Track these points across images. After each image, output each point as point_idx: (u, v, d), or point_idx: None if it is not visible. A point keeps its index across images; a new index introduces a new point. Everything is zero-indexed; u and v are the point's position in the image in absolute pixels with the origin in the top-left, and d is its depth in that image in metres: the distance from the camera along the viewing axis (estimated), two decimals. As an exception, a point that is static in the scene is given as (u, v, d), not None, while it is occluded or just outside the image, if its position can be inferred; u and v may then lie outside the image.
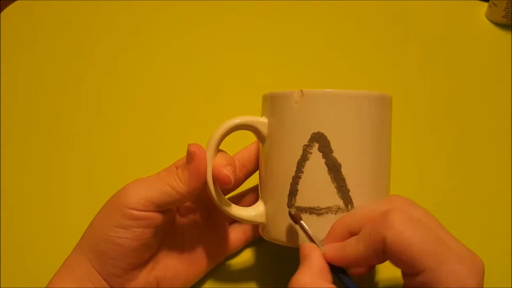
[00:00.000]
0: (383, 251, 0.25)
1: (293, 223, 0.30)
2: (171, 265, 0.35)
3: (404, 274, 0.26)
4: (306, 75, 0.48)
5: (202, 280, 0.37)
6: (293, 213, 0.29)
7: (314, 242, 0.28)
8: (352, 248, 0.27)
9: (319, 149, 0.30)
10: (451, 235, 0.26)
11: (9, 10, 0.53)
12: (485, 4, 0.52)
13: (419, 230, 0.25)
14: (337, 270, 0.28)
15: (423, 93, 0.48)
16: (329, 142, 0.30)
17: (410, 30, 0.51)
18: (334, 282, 0.27)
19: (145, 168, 0.35)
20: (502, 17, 0.50)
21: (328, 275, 0.27)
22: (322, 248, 0.28)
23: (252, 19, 0.52)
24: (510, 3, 0.48)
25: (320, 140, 0.30)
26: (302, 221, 0.29)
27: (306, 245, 0.28)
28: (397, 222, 0.25)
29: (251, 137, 0.34)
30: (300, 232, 0.30)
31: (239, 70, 0.49)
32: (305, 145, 0.30)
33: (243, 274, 0.39)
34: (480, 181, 0.43)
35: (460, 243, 0.26)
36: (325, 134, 0.30)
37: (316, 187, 0.30)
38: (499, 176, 0.43)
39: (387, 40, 0.51)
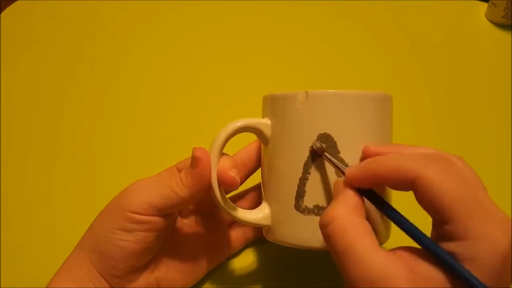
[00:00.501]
0: (412, 187, 0.24)
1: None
2: (172, 266, 0.35)
3: (432, 220, 0.25)
4: (303, 75, 0.48)
5: (202, 280, 0.37)
6: (317, 146, 0.29)
7: (341, 170, 0.27)
8: (380, 165, 0.25)
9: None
10: (489, 197, 0.25)
11: (9, 10, 0.53)
12: (485, 4, 0.52)
13: (456, 178, 0.24)
14: (366, 193, 0.27)
15: (423, 93, 0.48)
16: (335, 143, 0.30)
17: (410, 30, 0.51)
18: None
19: (146, 169, 0.35)
20: (502, 17, 0.50)
21: (362, 211, 0.26)
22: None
23: (252, 20, 0.52)
24: (510, 3, 0.49)
25: (326, 141, 0.30)
26: (326, 153, 0.29)
27: (338, 180, 0.27)
28: (435, 164, 0.24)
29: (250, 137, 0.34)
30: (307, 233, 0.30)
31: (238, 71, 0.49)
32: (311, 146, 0.30)
33: (243, 274, 0.39)
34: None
35: (497, 206, 0.24)
36: (332, 134, 0.30)
37: (324, 188, 0.30)
38: (499, 176, 0.43)
39: (387, 40, 0.51)
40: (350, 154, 0.30)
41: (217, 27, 0.52)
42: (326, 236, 0.25)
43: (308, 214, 0.30)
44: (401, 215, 0.25)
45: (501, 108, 0.46)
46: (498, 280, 0.22)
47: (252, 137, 0.34)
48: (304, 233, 0.31)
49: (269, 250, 0.39)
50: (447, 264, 0.23)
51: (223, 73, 0.49)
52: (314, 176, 0.30)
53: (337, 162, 0.28)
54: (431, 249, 0.23)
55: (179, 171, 0.32)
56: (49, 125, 0.46)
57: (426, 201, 0.24)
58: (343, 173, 0.27)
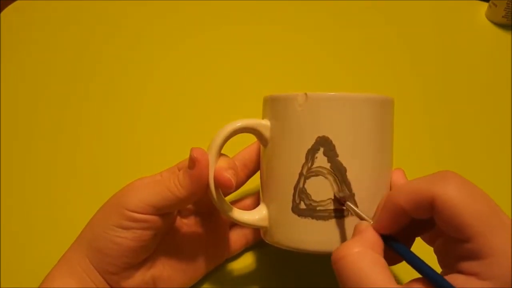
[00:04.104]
0: (432, 211, 0.24)
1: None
2: (168, 265, 0.35)
3: (451, 239, 0.24)
4: (305, 77, 0.48)
5: (201, 280, 0.37)
6: (340, 196, 0.29)
7: (365, 220, 0.28)
8: (397, 197, 0.25)
9: (324, 153, 0.30)
10: (504, 212, 0.25)
11: (9, 10, 0.53)
12: (485, 4, 0.52)
13: (474, 195, 0.23)
14: (389, 240, 0.26)
15: (422, 93, 0.48)
16: (334, 146, 0.29)
17: (410, 31, 0.51)
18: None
19: (146, 169, 0.35)
20: (502, 17, 0.50)
21: (380, 249, 0.25)
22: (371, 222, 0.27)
23: (254, 21, 0.52)
24: (510, 3, 0.48)
25: (325, 144, 0.30)
26: (348, 203, 0.29)
27: (361, 223, 0.27)
28: (451, 182, 0.23)
29: (251, 138, 0.34)
30: (304, 235, 0.31)
31: (241, 72, 0.49)
32: (310, 149, 0.30)
33: (242, 276, 0.39)
34: (481, 182, 0.43)
35: None
36: (330, 138, 0.29)
37: (322, 191, 0.30)
38: (499, 176, 0.43)
39: (387, 40, 0.51)
40: (348, 158, 0.30)
41: (218, 28, 0.52)
42: (337, 271, 0.24)
43: (305, 217, 0.30)
44: (424, 262, 0.25)
45: (501, 108, 0.46)
46: None
47: (253, 138, 0.34)
48: (300, 236, 0.31)
49: (268, 252, 0.39)
50: None
51: (225, 74, 0.49)
52: (312, 179, 0.30)
53: (361, 213, 0.28)
54: None
55: (179, 171, 0.32)
56: (49, 124, 0.46)
57: (446, 220, 0.23)
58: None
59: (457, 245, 0.24)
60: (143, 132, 0.46)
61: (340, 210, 0.30)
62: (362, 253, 0.24)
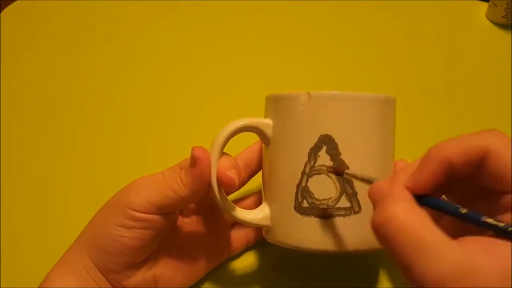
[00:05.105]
0: (480, 163, 0.23)
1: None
2: (170, 263, 0.35)
3: (486, 192, 0.24)
4: (305, 76, 0.48)
5: (202, 280, 0.37)
6: (335, 166, 0.29)
7: (370, 182, 0.26)
8: (444, 152, 0.24)
9: (327, 152, 0.30)
10: None
11: (9, 10, 0.53)
12: (485, 4, 0.52)
13: None
14: (421, 197, 0.24)
15: (422, 93, 0.48)
16: (337, 145, 0.30)
17: (410, 31, 0.51)
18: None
19: (147, 169, 0.35)
20: (502, 17, 0.50)
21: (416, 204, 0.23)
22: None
23: (257, 20, 0.52)
24: (510, 3, 0.49)
25: (328, 142, 0.30)
26: (347, 170, 0.28)
27: (379, 183, 0.25)
28: (502, 135, 0.24)
29: (253, 137, 0.34)
30: (306, 234, 0.30)
31: (241, 71, 0.49)
32: (312, 147, 0.30)
33: (243, 275, 0.39)
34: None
35: None
36: (333, 136, 0.30)
37: (324, 190, 0.30)
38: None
39: (387, 40, 0.51)
40: (351, 156, 0.30)
41: (219, 28, 0.52)
42: (386, 236, 0.22)
43: (307, 216, 0.30)
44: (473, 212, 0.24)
45: (501, 108, 0.46)
46: None
47: (255, 138, 0.34)
48: (303, 234, 0.31)
49: (269, 251, 0.39)
50: None
51: (227, 73, 0.49)
52: (315, 178, 0.30)
53: (366, 176, 0.27)
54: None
55: (181, 170, 0.32)
56: (49, 124, 0.46)
57: (495, 171, 0.23)
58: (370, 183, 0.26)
59: (497, 196, 0.24)
60: (144, 132, 0.46)
61: (343, 208, 0.30)
62: (409, 213, 0.22)
